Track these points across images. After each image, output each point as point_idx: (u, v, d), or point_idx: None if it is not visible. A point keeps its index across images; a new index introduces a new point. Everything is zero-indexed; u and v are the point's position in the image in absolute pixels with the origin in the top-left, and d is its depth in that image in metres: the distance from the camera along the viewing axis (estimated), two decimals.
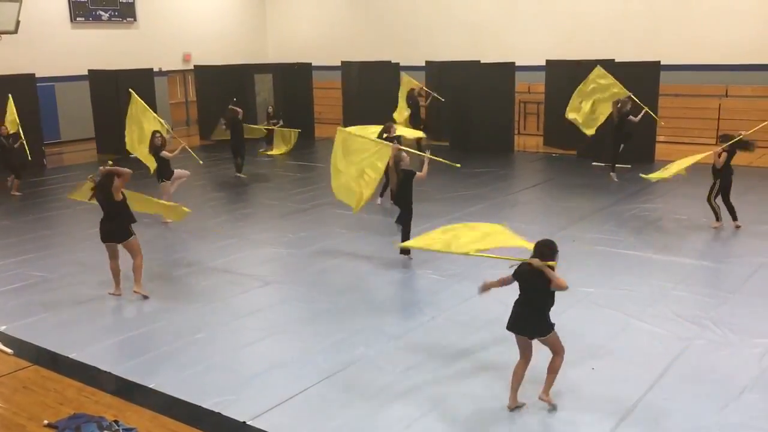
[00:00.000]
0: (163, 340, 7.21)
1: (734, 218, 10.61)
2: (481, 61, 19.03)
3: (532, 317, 5.57)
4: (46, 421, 5.64)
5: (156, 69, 21.04)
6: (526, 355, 5.70)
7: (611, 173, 14.35)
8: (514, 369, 5.72)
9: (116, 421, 5.53)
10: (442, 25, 22.72)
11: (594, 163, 15.96)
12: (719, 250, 9.91)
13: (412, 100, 17.13)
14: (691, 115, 18.26)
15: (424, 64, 20.49)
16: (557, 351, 5.66)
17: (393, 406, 5.82)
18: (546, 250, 5.57)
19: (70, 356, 6.82)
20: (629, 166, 15.34)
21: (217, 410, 5.76)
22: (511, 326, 5.65)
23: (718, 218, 10.68)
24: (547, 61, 18.60)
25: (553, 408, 5.68)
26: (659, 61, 16.37)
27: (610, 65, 16.64)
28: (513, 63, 18.30)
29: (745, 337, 6.97)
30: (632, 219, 11.29)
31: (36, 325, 7.60)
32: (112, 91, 18.49)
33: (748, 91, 18.34)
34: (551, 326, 5.59)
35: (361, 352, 6.79)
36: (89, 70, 19.25)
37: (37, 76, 17.75)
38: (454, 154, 17.23)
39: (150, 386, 6.19)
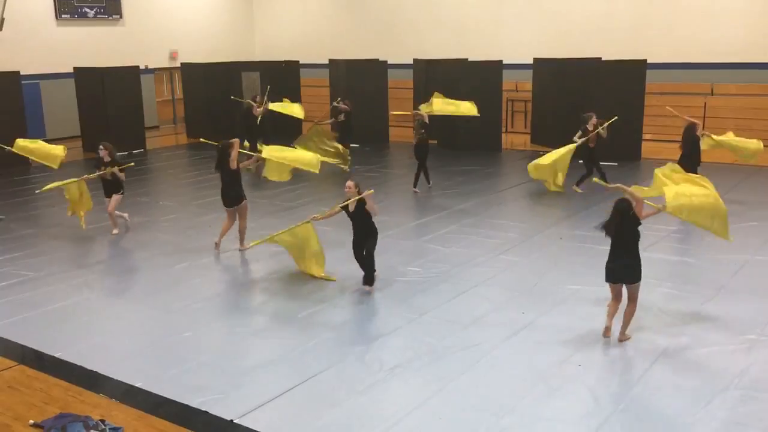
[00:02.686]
0: (150, 339, 7.19)
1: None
2: (469, 59, 19.06)
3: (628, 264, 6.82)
4: (31, 421, 5.61)
5: (142, 66, 20.94)
6: (618, 298, 6.99)
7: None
8: (609, 310, 7.02)
9: (102, 421, 5.51)
10: (429, 23, 22.72)
11: (581, 161, 16.01)
12: (704, 247, 9.97)
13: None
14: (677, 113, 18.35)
15: (411, 62, 20.49)
16: (634, 299, 6.85)
17: (380, 404, 5.83)
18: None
19: (55, 355, 6.79)
20: (615, 163, 15.41)
21: (204, 409, 5.75)
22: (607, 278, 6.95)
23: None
24: (535, 59, 18.64)
25: (629, 339, 6.83)
26: (645, 60, 16.47)
27: (596, 63, 16.76)
28: (500, 61, 18.33)
29: (731, 333, 7.03)
30: None
31: (21, 324, 7.55)
32: (98, 88, 18.38)
33: (733, 90, 18.46)
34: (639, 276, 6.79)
35: (348, 351, 6.79)
36: (75, 68, 19.12)
37: (22, 73, 17.61)
38: (443, 153, 17.31)
39: (136, 385, 6.17)
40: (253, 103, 16.37)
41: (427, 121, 13.50)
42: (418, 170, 13.54)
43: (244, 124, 16.31)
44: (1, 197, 13.70)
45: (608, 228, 6.86)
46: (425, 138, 13.44)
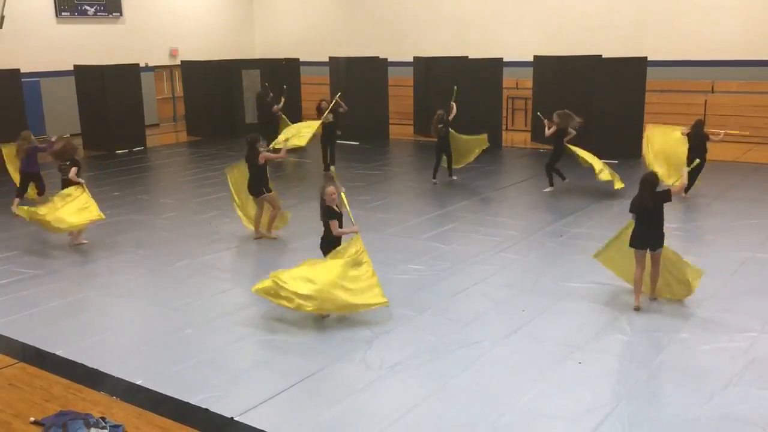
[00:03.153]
0: (150, 337, 7.19)
1: (550, 183, 13.05)
2: (469, 57, 19.05)
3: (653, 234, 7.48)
4: (32, 419, 5.61)
5: (142, 64, 20.91)
6: (642, 264, 7.56)
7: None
8: (635, 277, 7.59)
9: (103, 418, 5.51)
10: (429, 21, 22.72)
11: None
12: (704, 245, 9.98)
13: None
14: (678, 111, 18.34)
15: (411, 60, 20.49)
16: (657, 263, 7.57)
17: (380, 402, 5.83)
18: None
19: (56, 353, 6.79)
20: (616, 161, 15.39)
21: (204, 406, 5.75)
22: (632, 243, 7.55)
23: (550, 184, 13.06)
24: (535, 56, 18.63)
25: (655, 299, 7.69)
26: (646, 57, 16.45)
27: (597, 61, 16.75)
28: (501, 59, 18.33)
29: (730, 331, 7.02)
30: (619, 215, 11.33)
31: (22, 322, 7.55)
32: (98, 86, 18.38)
33: (734, 87, 18.44)
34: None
35: (349, 348, 6.79)
36: (75, 66, 19.11)
37: (22, 71, 17.59)
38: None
39: (137, 382, 6.17)
40: (269, 100, 16.46)
41: (448, 117, 13.93)
42: (448, 161, 14.14)
43: (261, 117, 16.42)
44: (1, 194, 13.70)
45: (638, 203, 7.51)
46: (444, 132, 13.83)
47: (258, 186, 10.11)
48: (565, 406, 5.69)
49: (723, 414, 5.53)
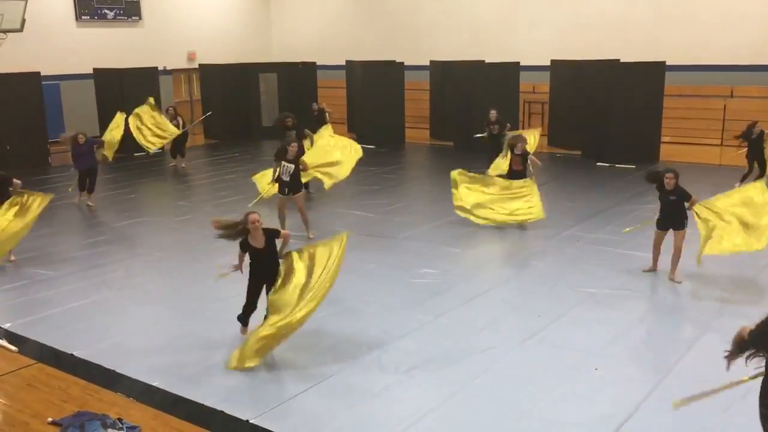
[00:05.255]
0: (167, 339, 7.22)
1: None
2: (486, 61, 19.02)
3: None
4: (50, 419, 5.66)
5: (161, 67, 21.06)
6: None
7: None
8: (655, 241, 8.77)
9: (120, 419, 5.55)
10: (446, 25, 22.69)
11: (599, 164, 15.96)
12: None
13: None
14: (696, 116, 18.21)
15: (428, 64, 20.49)
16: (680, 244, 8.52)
17: (395, 407, 5.83)
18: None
19: (74, 354, 6.85)
20: (633, 166, 15.32)
21: (220, 409, 5.77)
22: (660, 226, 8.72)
23: None
24: (552, 60, 18.57)
25: (680, 283, 8.37)
26: (664, 62, 16.37)
27: (615, 65, 16.67)
28: (518, 63, 18.28)
29: None
30: (636, 219, 11.25)
31: (40, 323, 7.62)
32: (117, 89, 18.53)
33: (753, 92, 18.25)
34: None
35: (364, 353, 6.79)
36: (94, 69, 19.28)
37: (42, 74, 17.78)
38: (459, 155, 17.28)
39: (154, 384, 6.21)
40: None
41: (492, 119, 14.22)
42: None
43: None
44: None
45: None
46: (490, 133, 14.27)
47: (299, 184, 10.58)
48: (581, 412, 5.66)
49: (742, 423, 5.47)
